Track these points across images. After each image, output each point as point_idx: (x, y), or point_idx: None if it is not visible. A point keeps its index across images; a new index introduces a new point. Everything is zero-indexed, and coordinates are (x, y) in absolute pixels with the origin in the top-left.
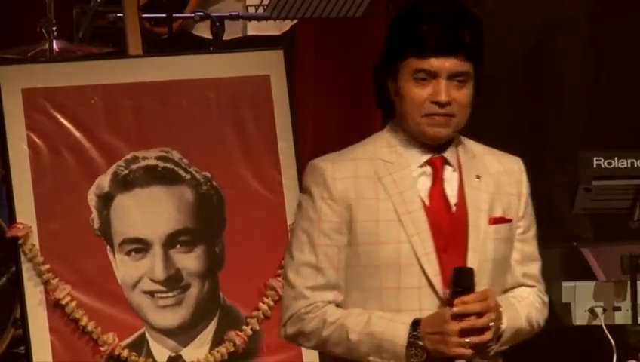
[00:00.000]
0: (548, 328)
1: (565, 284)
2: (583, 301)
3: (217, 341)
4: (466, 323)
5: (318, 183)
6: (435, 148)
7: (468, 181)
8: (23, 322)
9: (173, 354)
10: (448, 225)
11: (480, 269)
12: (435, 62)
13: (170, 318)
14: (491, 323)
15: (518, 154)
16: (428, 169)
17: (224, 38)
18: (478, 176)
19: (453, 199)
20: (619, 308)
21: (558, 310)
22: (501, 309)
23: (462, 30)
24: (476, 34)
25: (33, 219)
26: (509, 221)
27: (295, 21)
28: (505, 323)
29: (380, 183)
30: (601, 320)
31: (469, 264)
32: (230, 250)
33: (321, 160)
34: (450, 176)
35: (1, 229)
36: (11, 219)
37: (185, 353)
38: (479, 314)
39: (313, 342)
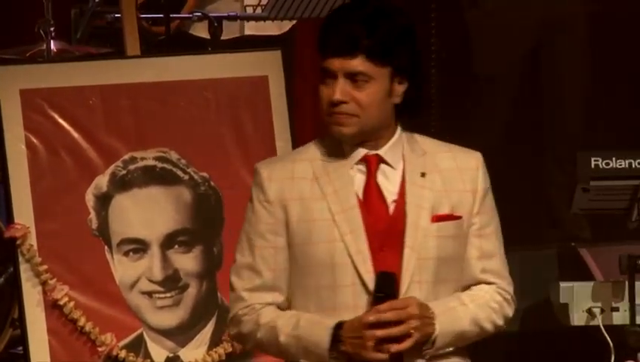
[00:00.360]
0: (546, 329)
1: (563, 285)
2: (581, 301)
3: (215, 341)
4: (381, 332)
5: (257, 186)
6: (372, 146)
7: (410, 179)
8: (21, 322)
9: (171, 355)
10: (384, 223)
11: (420, 267)
12: (334, 63)
13: (168, 319)
14: (412, 331)
15: (517, 154)
16: (363, 167)
17: (222, 37)
18: (422, 174)
19: (392, 197)
20: (617, 309)
21: (556, 310)
22: (433, 315)
23: (360, 31)
24: (382, 34)
25: (31, 220)
26: (458, 218)
27: (294, 21)
28: (437, 329)
29: (317, 183)
30: (599, 321)
31: (405, 262)
32: (228, 250)
33: (262, 163)
34: (391, 174)
35: (0, 230)
36: (9, 219)
37: (183, 353)
38: (397, 322)
39: (250, 344)
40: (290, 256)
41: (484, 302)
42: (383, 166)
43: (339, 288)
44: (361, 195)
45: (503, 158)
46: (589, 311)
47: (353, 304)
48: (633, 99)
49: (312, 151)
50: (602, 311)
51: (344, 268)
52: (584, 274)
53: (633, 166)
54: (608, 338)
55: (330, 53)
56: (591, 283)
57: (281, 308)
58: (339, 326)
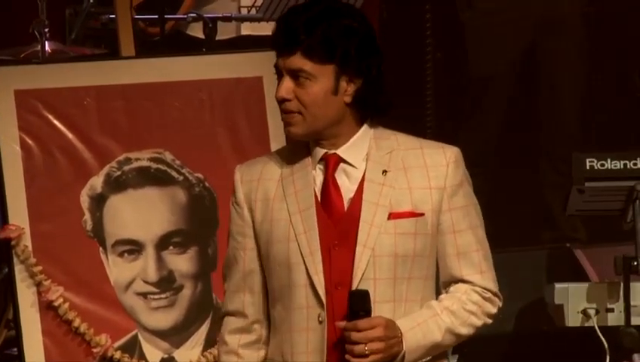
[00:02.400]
0: (541, 330)
1: (558, 286)
2: (576, 302)
3: (210, 342)
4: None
5: (233, 188)
6: (331, 145)
7: (370, 177)
8: (15, 323)
9: (165, 356)
10: (339, 221)
11: (375, 264)
12: (279, 61)
13: (163, 320)
14: (368, 352)
15: (513, 155)
16: (323, 166)
17: (218, 37)
18: (384, 172)
19: (349, 195)
20: (612, 310)
21: (550, 311)
22: (399, 334)
23: (300, 29)
24: (321, 32)
25: (26, 221)
26: (420, 215)
27: None
28: (405, 347)
29: (281, 184)
30: (594, 322)
31: (357, 259)
32: (223, 251)
33: (241, 165)
34: (353, 173)
35: None
36: (4, 220)
37: (177, 354)
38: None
39: None
40: (260, 256)
41: (459, 307)
42: (344, 165)
43: (294, 288)
44: (319, 193)
45: (499, 159)
46: (584, 312)
47: (306, 304)
48: (628, 99)
49: (285, 153)
50: (597, 312)
51: (298, 268)
52: (579, 275)
53: (628, 167)
54: (603, 340)
55: (276, 51)
56: (586, 284)
57: (249, 312)
58: None
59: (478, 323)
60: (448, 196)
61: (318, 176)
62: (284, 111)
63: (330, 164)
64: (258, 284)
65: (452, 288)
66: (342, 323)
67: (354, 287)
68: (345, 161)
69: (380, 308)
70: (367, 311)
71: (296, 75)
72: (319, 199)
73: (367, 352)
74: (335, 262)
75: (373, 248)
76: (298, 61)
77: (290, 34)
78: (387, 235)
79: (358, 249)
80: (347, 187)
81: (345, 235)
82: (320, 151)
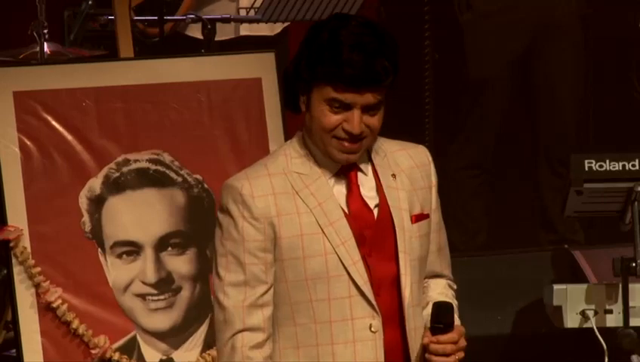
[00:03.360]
0: (539, 331)
1: (557, 287)
2: (575, 303)
3: (209, 344)
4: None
5: (237, 202)
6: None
7: (385, 182)
8: (14, 325)
9: (164, 357)
10: (372, 229)
11: (410, 268)
12: (351, 96)
13: (162, 321)
14: (459, 359)
15: (511, 156)
16: (342, 176)
17: (217, 38)
18: (393, 176)
19: (373, 202)
20: (610, 311)
21: (549, 312)
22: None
23: (379, 64)
24: (393, 61)
25: (24, 222)
26: (427, 216)
27: (287, 23)
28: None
29: (299, 197)
30: (592, 323)
31: (402, 266)
32: None
33: (235, 179)
34: (365, 180)
35: None
36: (2, 221)
37: (176, 356)
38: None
39: None
40: (278, 271)
41: (455, 305)
42: (358, 173)
43: (334, 301)
44: (344, 204)
45: (497, 160)
46: (583, 314)
47: (350, 316)
48: (625, 100)
49: (282, 164)
50: (596, 313)
51: (339, 279)
52: (578, 277)
53: (627, 168)
54: (602, 341)
55: (346, 86)
56: (584, 286)
57: (265, 327)
58: None
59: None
60: (435, 194)
61: (336, 186)
62: (352, 141)
63: (352, 174)
64: (271, 299)
65: (432, 282)
66: (431, 338)
67: (406, 295)
68: (361, 170)
69: (415, 311)
70: (451, 325)
71: (369, 108)
72: (345, 209)
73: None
74: (375, 271)
75: (410, 253)
76: (377, 95)
77: (373, 70)
78: (415, 239)
79: (401, 256)
80: (365, 194)
81: (379, 243)
82: (337, 163)
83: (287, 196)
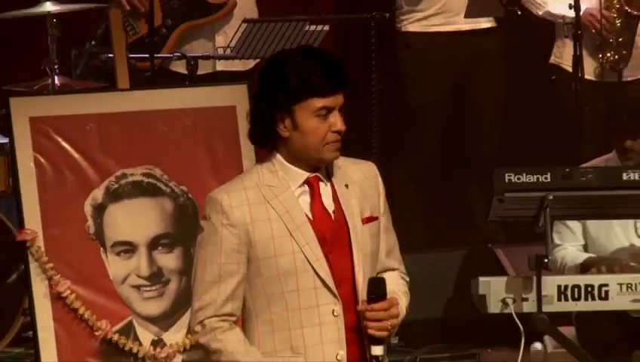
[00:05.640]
0: (467, 315)
1: (482, 279)
2: (497, 293)
3: None
4: (376, 325)
5: (218, 212)
6: (313, 169)
7: (340, 191)
8: (30, 311)
9: (155, 338)
10: (331, 231)
11: (363, 263)
12: (332, 100)
13: (153, 308)
14: (394, 325)
15: (444, 172)
16: (306, 187)
17: (198, 72)
18: (346, 185)
19: (331, 207)
20: (526, 299)
21: (476, 300)
22: (399, 312)
23: (342, 70)
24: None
25: (39, 226)
26: (376, 218)
27: (257, 60)
28: (398, 320)
29: (270, 206)
30: (511, 309)
31: (356, 260)
32: None
33: (217, 192)
34: (324, 190)
35: (12, 234)
36: (20, 225)
37: (165, 336)
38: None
39: (214, 358)
40: (252, 270)
41: (404, 290)
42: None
43: (302, 291)
44: (308, 211)
45: (433, 175)
46: (503, 301)
47: (316, 303)
48: (540, 124)
49: (255, 178)
50: (514, 301)
51: (306, 274)
52: (499, 271)
53: (540, 180)
54: (519, 324)
55: (328, 92)
56: (505, 278)
57: (236, 314)
58: None
59: (408, 298)
60: (383, 201)
61: (302, 196)
62: (338, 140)
63: (315, 184)
64: (241, 293)
65: (385, 275)
66: (366, 306)
67: (360, 283)
68: (322, 180)
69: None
70: (384, 295)
71: (340, 108)
72: (309, 215)
73: (389, 327)
74: (336, 266)
75: (362, 249)
76: (342, 97)
77: (338, 78)
78: (366, 237)
79: (355, 251)
80: (325, 202)
81: (337, 242)
82: (302, 174)
83: (260, 206)
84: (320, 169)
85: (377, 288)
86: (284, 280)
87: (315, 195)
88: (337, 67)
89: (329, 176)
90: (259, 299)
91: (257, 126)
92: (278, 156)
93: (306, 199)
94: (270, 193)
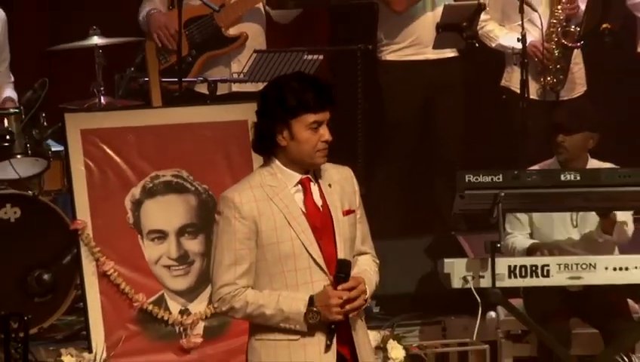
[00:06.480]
0: (435, 290)
1: (447, 261)
2: (459, 271)
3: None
4: (350, 306)
5: (231, 208)
6: (303, 171)
7: (325, 189)
8: (81, 286)
9: (182, 308)
10: (320, 222)
11: (345, 247)
12: (322, 115)
13: (181, 283)
14: (362, 301)
15: (417, 175)
16: (299, 187)
17: (218, 93)
18: (330, 185)
19: (319, 203)
20: (483, 276)
21: (442, 278)
22: (366, 286)
23: (330, 91)
24: None
25: (88, 217)
26: (353, 211)
27: (266, 82)
28: (368, 294)
29: (272, 202)
30: (470, 285)
31: (338, 245)
32: None
33: (228, 192)
34: (314, 188)
35: (67, 224)
36: (73, 217)
37: (191, 307)
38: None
39: (240, 315)
40: (259, 254)
41: (374, 269)
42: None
43: (299, 270)
44: (302, 205)
45: (406, 176)
46: (464, 278)
47: (310, 279)
48: (493, 135)
49: (258, 180)
50: (473, 278)
51: (302, 256)
52: (461, 254)
53: (494, 180)
54: (477, 297)
55: (320, 109)
56: (465, 260)
57: (253, 287)
58: (311, 299)
59: (378, 277)
60: (358, 198)
61: (297, 193)
62: (326, 148)
63: (307, 184)
64: (253, 273)
65: (361, 258)
66: (346, 285)
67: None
68: (312, 181)
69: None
70: (349, 275)
71: (327, 123)
72: (303, 209)
73: (362, 302)
74: (325, 249)
75: (343, 236)
76: (329, 113)
77: (326, 98)
78: (346, 226)
79: (338, 238)
80: (315, 198)
81: (325, 230)
82: (296, 176)
83: (264, 202)
84: (309, 172)
85: (343, 269)
86: (284, 261)
87: (307, 193)
88: (326, 89)
89: (316, 177)
90: (262, 278)
91: (260, 137)
92: (277, 161)
93: (299, 196)
94: (271, 191)
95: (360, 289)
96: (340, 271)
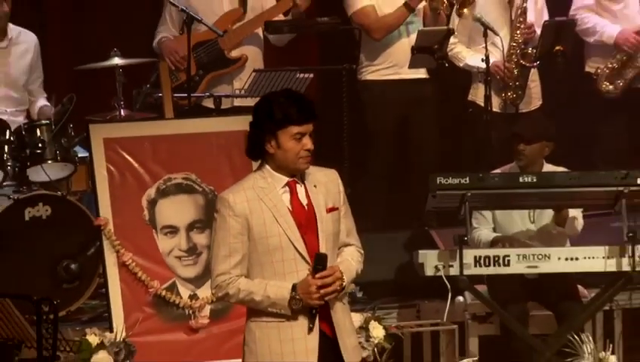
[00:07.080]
0: (410, 278)
1: (421, 252)
2: (431, 261)
3: None
4: (324, 291)
5: (226, 207)
6: (290, 175)
7: (310, 189)
8: (104, 274)
9: (192, 293)
10: (305, 219)
11: (327, 241)
12: (305, 127)
13: (190, 272)
14: (337, 286)
15: (396, 179)
16: (287, 188)
17: (222, 107)
18: (315, 186)
19: (305, 202)
20: (452, 266)
21: (417, 267)
22: (343, 273)
23: (312, 107)
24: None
25: (110, 215)
26: (337, 209)
27: None
28: (345, 280)
29: (262, 201)
30: (441, 273)
31: (321, 240)
32: None
33: (224, 193)
34: (300, 189)
35: (91, 221)
36: (97, 215)
37: (199, 292)
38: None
39: (234, 300)
40: (250, 246)
41: (357, 259)
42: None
43: (286, 261)
44: (288, 204)
45: (389, 182)
46: (436, 267)
47: (296, 269)
48: (460, 143)
49: (251, 183)
50: (444, 267)
51: (288, 249)
52: (433, 246)
53: (461, 182)
54: (447, 283)
55: (304, 121)
56: (437, 251)
57: (246, 276)
58: (294, 287)
59: (361, 266)
60: (343, 197)
61: (284, 194)
62: (309, 155)
63: (293, 186)
64: (246, 263)
65: (346, 249)
66: (324, 273)
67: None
68: (298, 183)
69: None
70: (325, 266)
71: (309, 134)
72: (289, 207)
73: (337, 287)
74: (309, 243)
75: (326, 231)
76: (312, 125)
77: (309, 112)
78: (329, 223)
79: (321, 234)
80: (300, 198)
81: (309, 226)
82: (284, 179)
83: (255, 202)
84: (296, 175)
85: (320, 262)
86: (273, 253)
87: (293, 194)
88: (309, 105)
89: (302, 179)
90: (255, 267)
91: (252, 145)
92: (267, 166)
93: (287, 196)
94: (262, 192)
95: (335, 276)
96: (318, 263)
